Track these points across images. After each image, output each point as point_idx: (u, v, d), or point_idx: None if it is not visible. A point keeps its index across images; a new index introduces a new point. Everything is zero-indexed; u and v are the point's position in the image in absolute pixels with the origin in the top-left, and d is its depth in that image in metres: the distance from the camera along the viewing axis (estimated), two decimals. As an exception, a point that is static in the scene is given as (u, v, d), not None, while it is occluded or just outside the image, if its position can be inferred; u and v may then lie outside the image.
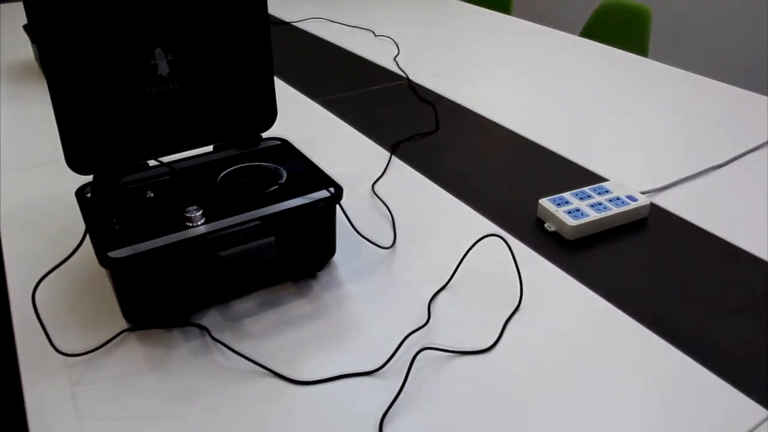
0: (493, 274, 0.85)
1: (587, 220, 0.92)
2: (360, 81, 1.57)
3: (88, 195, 0.82)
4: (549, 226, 0.94)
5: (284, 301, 0.81)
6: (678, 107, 1.40)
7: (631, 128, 1.30)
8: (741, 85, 1.51)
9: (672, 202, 1.02)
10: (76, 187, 0.82)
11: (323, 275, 0.86)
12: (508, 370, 0.70)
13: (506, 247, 0.91)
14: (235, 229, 0.75)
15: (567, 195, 0.98)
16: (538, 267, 0.87)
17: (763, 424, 0.64)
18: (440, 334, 0.75)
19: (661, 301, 0.81)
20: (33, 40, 1.47)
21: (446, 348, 0.73)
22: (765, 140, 1.22)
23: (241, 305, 0.80)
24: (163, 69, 0.86)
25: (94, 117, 0.82)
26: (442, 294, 0.82)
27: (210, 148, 1.02)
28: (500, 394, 0.67)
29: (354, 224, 0.96)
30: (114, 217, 0.77)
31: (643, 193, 1.03)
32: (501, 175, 1.12)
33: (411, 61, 1.69)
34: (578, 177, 1.10)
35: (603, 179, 1.08)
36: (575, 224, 0.91)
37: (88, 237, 0.94)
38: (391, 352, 0.72)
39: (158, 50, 0.84)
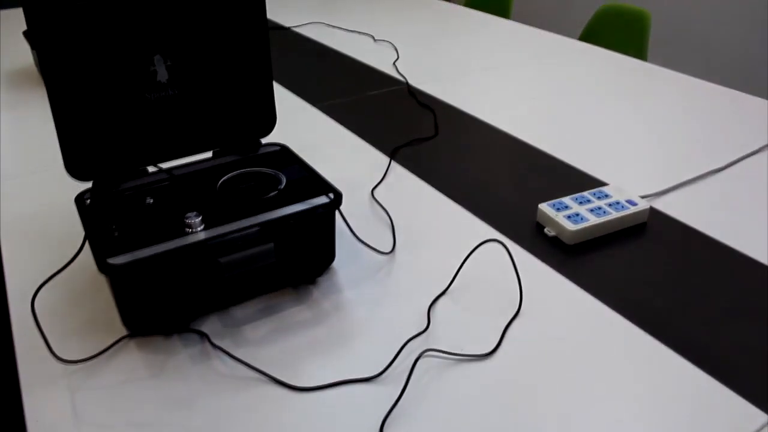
0: (492, 280, 0.85)
1: (587, 225, 0.92)
2: (359, 86, 1.57)
3: (88, 201, 0.82)
4: (549, 231, 0.94)
5: (284, 307, 0.81)
6: (677, 111, 1.40)
7: (631, 132, 1.30)
8: (740, 89, 1.51)
9: (671, 206, 1.02)
10: (75, 194, 0.82)
11: (323, 281, 0.85)
12: (508, 375, 0.70)
13: (506, 253, 0.91)
14: (234, 235, 0.74)
15: (566, 199, 0.98)
16: (537, 272, 0.87)
17: (763, 429, 0.64)
18: (440, 339, 0.75)
19: (661, 306, 0.81)
20: (33, 46, 1.47)
21: (446, 354, 0.73)
22: (764, 144, 1.22)
23: (240, 311, 0.80)
24: (163, 75, 0.86)
25: (94, 123, 0.82)
26: (442, 299, 0.82)
27: (209, 153, 1.02)
28: (500, 400, 0.67)
29: (353, 230, 0.96)
30: (113, 223, 0.77)
31: (642, 197, 1.03)
32: (500, 179, 1.12)
33: (410, 66, 1.69)
34: (578, 181, 1.10)
35: (602, 183, 1.09)
36: (575, 229, 0.91)
37: (87, 243, 0.94)
38: (391, 358, 0.72)
39: (157, 56, 0.85)
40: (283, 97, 1.50)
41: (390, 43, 1.89)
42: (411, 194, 1.07)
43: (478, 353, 0.73)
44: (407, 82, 1.57)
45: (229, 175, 0.87)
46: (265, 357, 0.73)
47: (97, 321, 0.79)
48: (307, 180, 0.85)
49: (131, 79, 0.83)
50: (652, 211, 1.00)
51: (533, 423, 0.64)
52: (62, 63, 0.78)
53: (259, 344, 0.75)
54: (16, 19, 2.37)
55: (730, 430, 0.64)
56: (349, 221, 0.98)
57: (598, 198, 0.98)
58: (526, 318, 0.78)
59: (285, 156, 0.92)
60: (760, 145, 1.22)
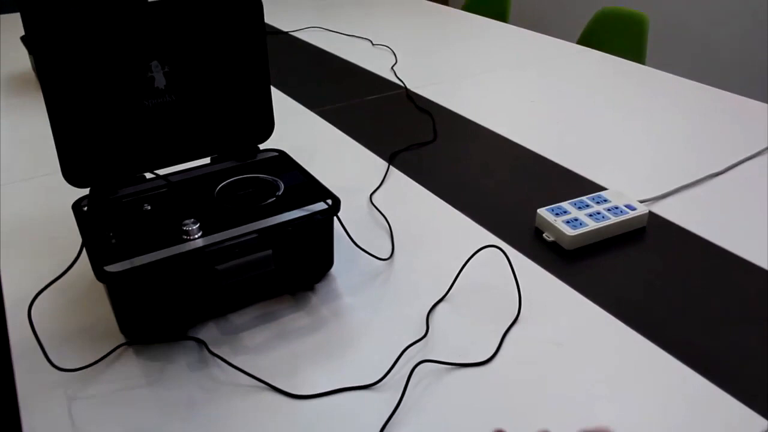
0: (491, 285, 0.85)
1: (585, 230, 0.92)
2: (357, 90, 1.57)
3: (85, 208, 0.82)
4: (547, 236, 0.94)
5: (282, 314, 0.81)
6: (675, 115, 1.40)
7: (629, 136, 1.30)
8: (738, 92, 1.51)
9: (670, 211, 1.02)
10: (72, 200, 0.81)
11: (321, 287, 0.85)
12: (508, 381, 0.70)
13: (505, 258, 0.90)
14: (232, 242, 0.74)
15: (565, 204, 0.98)
16: (536, 277, 0.87)
17: (764, 435, 0.64)
18: (439, 346, 0.75)
19: (661, 311, 0.80)
20: (30, 51, 1.47)
21: (445, 360, 0.72)
22: (763, 147, 1.22)
23: (238, 318, 0.80)
24: (160, 81, 0.86)
25: (91, 129, 0.82)
26: (441, 306, 0.81)
27: (207, 159, 1.02)
28: (500, 407, 0.67)
29: (352, 236, 0.96)
30: (111, 230, 0.77)
31: (641, 201, 1.03)
32: (499, 184, 1.12)
33: (408, 70, 1.69)
34: (576, 186, 1.10)
35: (601, 188, 1.08)
36: (574, 234, 0.91)
37: (84, 251, 0.93)
38: (390, 365, 0.72)
39: (155, 62, 0.84)
40: (281, 102, 1.49)
41: (388, 47, 1.89)
42: (409, 199, 1.07)
43: (477, 360, 0.73)
44: (405, 87, 1.57)
45: (227, 181, 0.87)
46: (264, 364, 0.73)
47: (94, 329, 0.79)
48: (305, 186, 0.85)
49: (129, 85, 0.83)
50: (651, 216, 1.00)
51: (533, 429, 0.64)
52: (59, 68, 0.78)
53: (257, 351, 0.74)
54: (14, 24, 2.37)
55: (731, 437, 0.63)
56: (347, 227, 0.98)
57: (597, 203, 0.98)
58: (525, 324, 0.78)
59: (283, 162, 0.92)
60: (759, 149, 1.21)
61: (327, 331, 0.78)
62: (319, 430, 0.64)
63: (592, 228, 0.92)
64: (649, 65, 1.78)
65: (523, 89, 1.58)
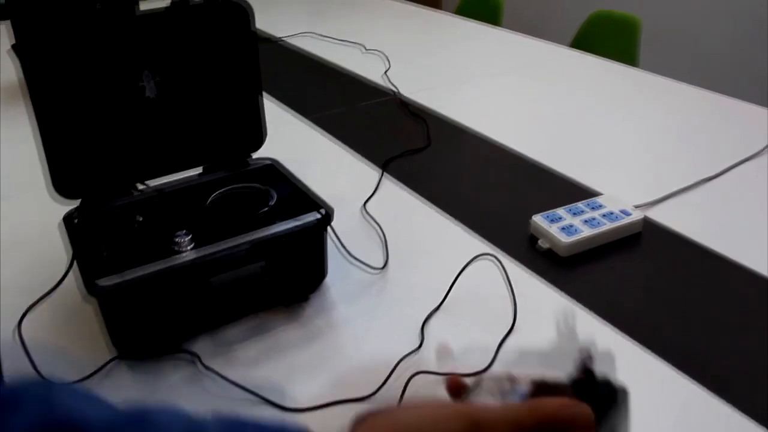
0: (486, 295, 0.84)
1: (581, 237, 0.91)
2: (349, 97, 1.57)
3: (76, 221, 0.81)
4: (542, 244, 0.94)
5: (276, 325, 0.80)
6: (669, 118, 1.40)
7: (623, 140, 1.30)
8: (731, 94, 1.51)
9: (666, 216, 1.01)
10: (63, 213, 0.81)
11: (314, 299, 0.84)
12: (504, 393, 0.69)
13: (500, 267, 0.90)
14: (224, 254, 0.74)
15: (560, 211, 0.97)
16: (531, 286, 0.86)
17: (762, 444, 0.63)
18: (434, 357, 0.74)
19: (657, 319, 0.80)
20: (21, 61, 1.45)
21: (440, 372, 0.72)
22: (758, 150, 1.22)
23: (231, 331, 0.79)
24: (151, 91, 0.85)
25: (81, 140, 0.81)
26: (436, 316, 0.81)
27: (199, 170, 1.01)
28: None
29: (345, 246, 0.95)
30: (102, 243, 0.76)
31: (636, 206, 1.03)
32: (493, 191, 1.11)
33: (401, 76, 1.68)
34: (571, 192, 1.09)
35: (596, 193, 1.08)
36: (569, 241, 0.90)
37: (75, 264, 0.93)
38: (385, 377, 0.71)
39: (146, 72, 0.84)
40: (273, 109, 1.49)
41: (380, 53, 1.88)
42: (403, 208, 1.06)
43: (473, 371, 0.72)
44: (398, 93, 1.57)
45: (219, 192, 0.86)
46: (258, 377, 0.72)
47: (85, 343, 0.78)
48: (297, 196, 0.84)
49: (119, 96, 0.82)
50: (646, 221, 0.99)
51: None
52: (49, 79, 0.77)
53: (251, 364, 0.74)
54: (2, 33, 2.36)
55: (729, 447, 0.63)
56: (341, 236, 0.97)
57: (592, 209, 0.98)
58: (521, 333, 0.77)
59: (275, 171, 0.91)
60: (754, 152, 1.21)
61: (321, 342, 0.77)
62: (314, 444, 0.64)
63: (588, 235, 0.92)
64: (643, 68, 1.78)
65: (516, 94, 1.57)
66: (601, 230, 0.93)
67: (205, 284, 0.74)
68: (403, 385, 0.70)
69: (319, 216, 0.79)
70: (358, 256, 0.93)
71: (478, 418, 0.38)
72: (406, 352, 0.75)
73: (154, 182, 0.88)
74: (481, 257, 0.91)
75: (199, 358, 0.74)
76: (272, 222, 0.79)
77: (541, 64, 1.79)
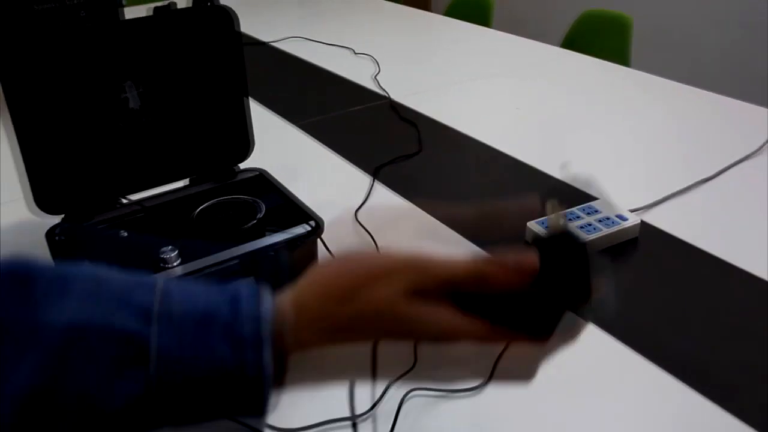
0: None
1: (577, 243, 0.89)
2: (339, 102, 1.54)
3: (58, 237, 0.78)
4: (538, 250, 0.92)
5: (266, 341, 0.78)
6: (662, 118, 1.38)
7: (617, 142, 1.28)
8: (724, 93, 1.49)
9: (662, 219, 0.99)
10: (45, 229, 0.78)
11: (306, 312, 0.82)
12: (502, 409, 0.67)
13: (495, 275, 0.88)
14: (212, 269, 0.71)
15: (555, 216, 0.95)
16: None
17: (769, 458, 0.61)
18: (428, 372, 0.72)
19: (657, 327, 0.78)
20: None
21: (435, 389, 0.70)
22: (754, 149, 1.20)
23: (221, 348, 0.77)
24: (134, 102, 0.83)
25: (63, 154, 0.79)
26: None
27: (186, 181, 0.99)
28: (494, 436, 0.64)
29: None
30: (86, 259, 0.74)
31: (632, 210, 1.01)
32: (487, 197, 1.09)
33: (392, 80, 1.66)
34: (566, 196, 1.07)
35: (591, 198, 1.06)
36: (565, 248, 0.88)
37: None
38: (378, 396, 0.69)
39: (129, 83, 0.82)
40: (261, 116, 1.46)
41: (370, 56, 1.86)
42: (395, 215, 1.04)
43: (469, 387, 0.70)
44: (389, 97, 1.55)
45: (206, 204, 0.84)
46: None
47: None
48: (286, 207, 0.82)
49: (101, 107, 0.80)
50: (643, 225, 0.97)
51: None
52: (29, 91, 0.75)
53: (240, 383, 0.71)
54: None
55: (735, 461, 0.61)
56: (331, 246, 0.94)
57: (588, 214, 0.96)
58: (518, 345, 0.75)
59: (263, 182, 0.89)
60: (750, 151, 1.19)
61: (311, 359, 0.75)
62: (307, 467, 0.62)
63: (584, 241, 0.90)
64: (634, 67, 1.76)
65: (508, 96, 1.55)
66: (597, 236, 0.91)
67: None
68: (397, 404, 0.68)
69: (309, 227, 0.77)
70: (349, 267, 0.90)
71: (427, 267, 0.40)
72: (400, 370, 0.72)
73: (139, 195, 0.86)
74: (475, 266, 0.89)
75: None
76: (261, 235, 0.77)
77: (532, 65, 1.77)
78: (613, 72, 1.70)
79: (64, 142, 0.78)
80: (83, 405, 0.32)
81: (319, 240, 0.82)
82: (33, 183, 0.78)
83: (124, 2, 0.84)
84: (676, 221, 0.99)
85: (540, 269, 0.42)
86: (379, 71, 1.74)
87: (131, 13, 0.83)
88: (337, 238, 0.97)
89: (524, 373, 0.42)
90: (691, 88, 1.54)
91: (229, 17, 0.84)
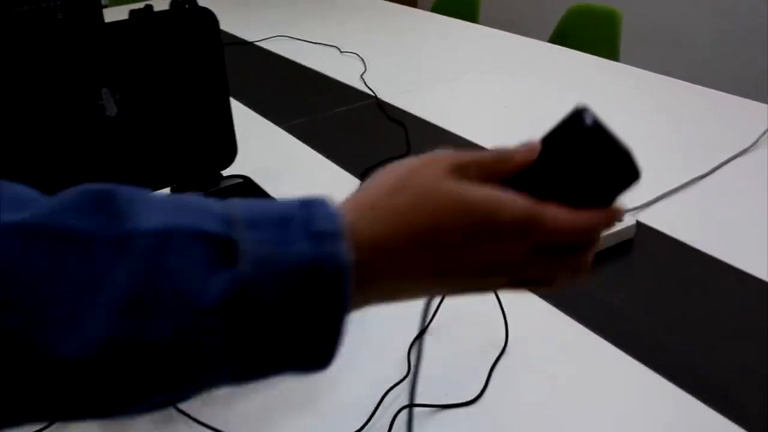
0: (475, 314, 0.80)
1: (572, 246, 0.87)
2: (326, 102, 1.51)
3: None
4: (532, 254, 0.89)
5: (253, 356, 0.75)
6: (656, 114, 1.36)
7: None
8: (716, 87, 1.47)
9: (657, 219, 0.97)
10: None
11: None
12: (498, 421, 0.65)
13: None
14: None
15: (548, 219, 0.93)
16: (523, 302, 0.82)
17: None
18: (422, 385, 0.69)
19: (654, 331, 0.76)
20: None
21: (430, 403, 0.67)
22: (749, 144, 1.18)
23: (206, 364, 0.74)
24: (111, 110, 0.80)
25: (37, 165, 0.76)
26: (422, 340, 0.76)
27: (167, 190, 0.96)
28: (492, 453, 0.62)
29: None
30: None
31: (626, 210, 0.99)
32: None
33: (379, 78, 1.63)
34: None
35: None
36: (559, 251, 0.86)
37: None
38: (371, 411, 0.66)
39: (105, 90, 0.79)
40: (245, 117, 1.43)
41: (357, 54, 1.84)
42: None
43: (464, 399, 0.67)
44: (376, 96, 1.52)
45: (188, 214, 0.81)
46: (236, 416, 0.67)
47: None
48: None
49: (77, 115, 0.77)
50: (639, 226, 0.95)
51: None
52: (1, 100, 0.71)
53: (227, 403, 0.69)
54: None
55: (742, 475, 0.59)
56: (320, 253, 0.92)
57: (582, 215, 0.94)
58: (514, 355, 0.73)
59: (248, 189, 0.86)
60: (744, 147, 1.18)
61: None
62: (297, 491, 0.59)
63: (579, 244, 0.88)
64: (623, 61, 1.74)
65: (496, 93, 1.53)
66: (592, 238, 0.89)
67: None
68: (391, 418, 0.65)
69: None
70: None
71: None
72: (393, 382, 0.70)
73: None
74: (468, 272, 0.87)
75: (171, 396, 0.69)
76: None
77: (521, 61, 1.75)
78: (603, 67, 1.68)
79: (38, 152, 0.75)
80: (178, 303, 0.33)
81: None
82: (7, 196, 0.75)
83: (106, 3, 0.81)
84: (671, 220, 0.97)
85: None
86: (366, 70, 1.71)
87: (114, 14, 0.80)
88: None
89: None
90: (682, 82, 1.52)
91: (209, 19, 0.81)
